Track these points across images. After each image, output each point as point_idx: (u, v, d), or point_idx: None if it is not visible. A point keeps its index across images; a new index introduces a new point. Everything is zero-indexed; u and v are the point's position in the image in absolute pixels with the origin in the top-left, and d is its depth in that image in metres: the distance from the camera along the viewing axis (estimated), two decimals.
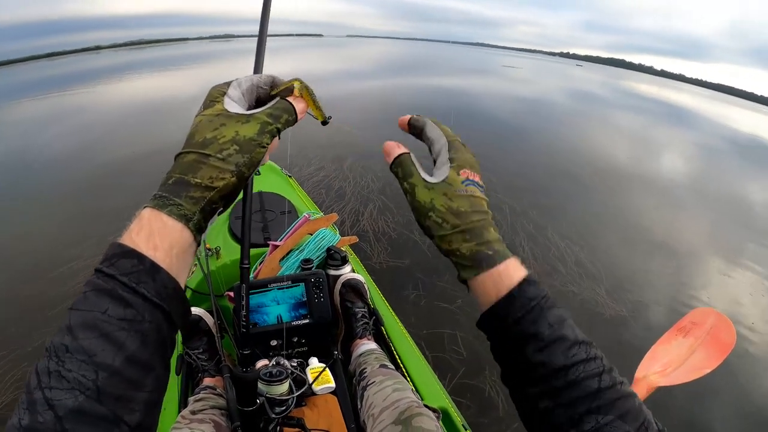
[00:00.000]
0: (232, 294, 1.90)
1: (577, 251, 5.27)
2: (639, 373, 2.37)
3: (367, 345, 2.01)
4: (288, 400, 1.40)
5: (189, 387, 1.85)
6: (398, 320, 2.28)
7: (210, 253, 2.44)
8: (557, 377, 0.60)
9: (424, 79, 23.87)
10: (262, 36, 1.18)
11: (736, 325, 4.44)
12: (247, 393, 1.47)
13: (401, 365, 1.95)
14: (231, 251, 2.50)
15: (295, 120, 0.77)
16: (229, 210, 2.82)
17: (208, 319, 1.87)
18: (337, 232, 2.52)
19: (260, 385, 1.38)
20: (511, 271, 0.66)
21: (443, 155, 0.79)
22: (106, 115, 12.21)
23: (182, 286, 0.63)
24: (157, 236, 0.60)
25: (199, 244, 0.67)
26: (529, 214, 6.09)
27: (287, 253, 2.23)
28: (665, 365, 2.40)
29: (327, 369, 1.65)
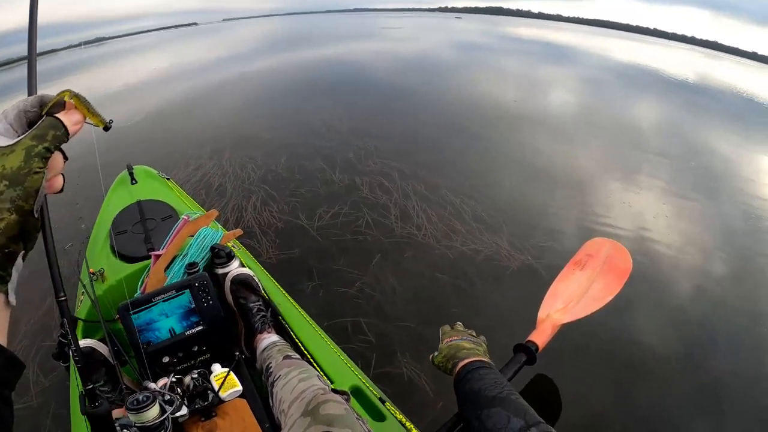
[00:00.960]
0: None
1: (473, 205, 5.13)
2: (541, 313, 2.39)
3: (269, 338, 1.98)
4: (163, 423, 1.34)
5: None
6: (297, 305, 2.24)
7: (94, 277, 2.30)
8: (477, 397, 1.05)
9: (304, 53, 23.47)
10: (31, 56, 1.10)
11: (644, 244, 4.71)
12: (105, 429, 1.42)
13: (306, 352, 1.92)
14: (116, 270, 2.36)
15: (67, 134, 0.71)
16: (107, 228, 2.70)
17: (102, 349, 1.76)
18: (220, 228, 2.45)
19: (130, 416, 1.31)
20: (466, 361, 1.34)
21: (440, 341, 1.63)
22: None
23: (0, 338, 0.61)
24: None
25: (6, 294, 0.63)
26: (419, 175, 5.92)
27: (171, 261, 2.13)
28: (566, 301, 2.43)
29: (231, 373, 1.61)
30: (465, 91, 12.21)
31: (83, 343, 1.71)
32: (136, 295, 2.09)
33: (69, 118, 0.72)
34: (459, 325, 1.76)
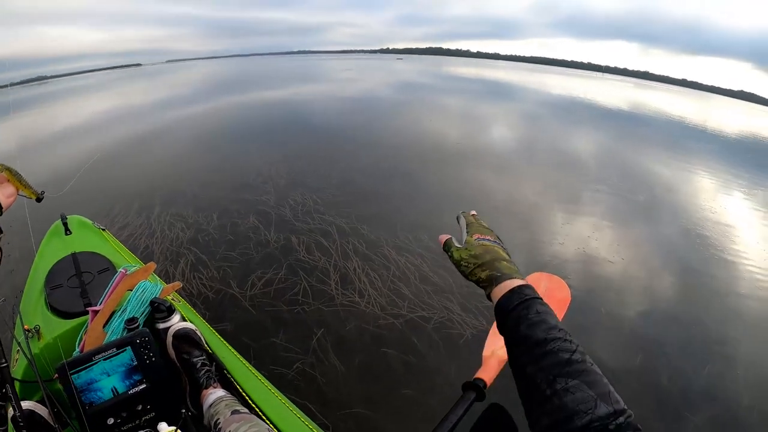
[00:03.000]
0: None
1: (418, 263, 4.90)
2: (486, 351, 2.45)
3: (215, 393, 1.94)
4: None
5: None
6: (241, 358, 2.22)
7: (30, 334, 2.22)
8: (538, 347, 0.82)
9: (245, 96, 23.31)
10: None
11: (592, 262, 5.04)
12: None
13: (253, 405, 1.90)
14: (52, 327, 2.27)
15: (0, 208, 0.75)
16: (42, 282, 2.63)
17: (42, 411, 1.69)
18: (159, 281, 2.41)
19: None
20: (514, 282, 0.97)
21: (464, 232, 1.17)
22: None
23: None
24: None
25: None
26: (360, 231, 5.68)
27: (110, 317, 2.08)
28: None
29: (178, 431, 1.58)
30: (408, 133, 12.33)
31: (22, 405, 1.66)
32: (74, 353, 2.03)
33: (2, 192, 0.76)
34: (479, 218, 1.29)
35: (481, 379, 2.12)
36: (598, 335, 3.92)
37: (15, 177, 0.80)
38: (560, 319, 2.43)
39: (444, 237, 1.20)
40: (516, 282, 0.97)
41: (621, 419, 0.68)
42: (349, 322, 3.96)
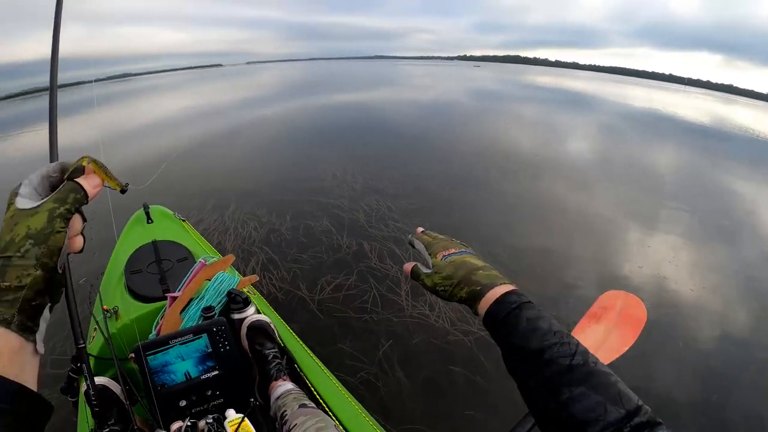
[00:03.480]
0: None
1: None
2: None
3: (284, 386, 1.96)
4: None
5: None
6: (312, 354, 2.23)
7: (108, 314, 2.31)
8: (535, 358, 0.77)
9: (323, 99, 23.55)
10: (52, 123, 1.16)
11: (665, 285, 4.76)
12: None
13: (321, 401, 1.91)
14: (130, 309, 2.37)
15: (86, 197, 0.80)
16: (122, 267, 2.71)
17: (115, 388, 1.76)
18: (237, 274, 2.45)
19: None
20: (497, 292, 0.91)
21: (426, 255, 1.10)
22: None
23: (30, 383, 0.66)
24: None
25: (35, 343, 0.69)
26: None
27: (187, 304, 2.14)
28: None
29: (245, 419, 1.60)
30: (484, 142, 12.10)
31: (96, 380, 1.71)
32: (150, 336, 2.10)
33: (88, 182, 0.81)
34: (430, 232, 1.23)
35: None
36: (670, 366, 3.72)
37: (101, 169, 0.84)
38: (633, 341, 2.32)
39: (409, 266, 1.11)
40: (498, 291, 0.92)
41: (637, 419, 0.64)
42: (417, 335, 3.89)
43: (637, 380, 3.39)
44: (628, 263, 5.27)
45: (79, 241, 0.82)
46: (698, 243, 6.10)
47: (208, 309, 2.04)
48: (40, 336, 0.71)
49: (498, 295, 0.90)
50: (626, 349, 2.44)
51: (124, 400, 1.72)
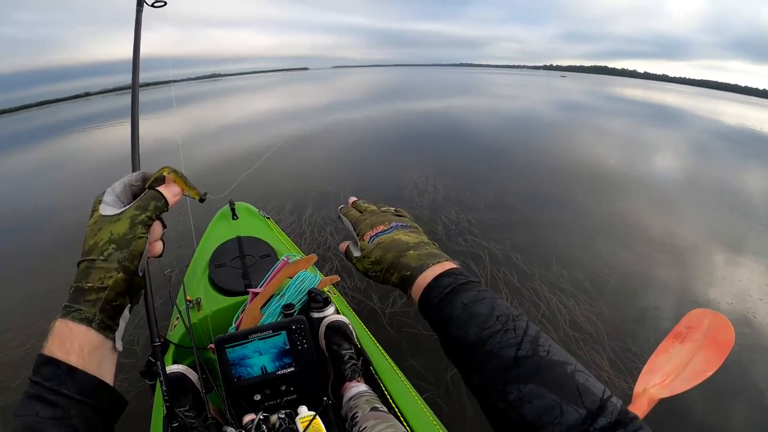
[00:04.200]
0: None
1: (571, 306, 4.45)
2: (638, 387, 2.31)
3: (357, 387, 1.97)
4: None
5: None
6: (388, 358, 2.23)
7: (191, 305, 2.39)
8: (474, 351, 0.67)
9: (405, 105, 23.59)
10: (134, 139, 1.21)
11: (749, 317, 4.41)
12: None
13: (394, 406, 1.90)
14: (212, 302, 2.45)
15: (166, 204, 0.85)
16: (207, 260, 2.79)
17: (192, 376, 1.82)
18: (318, 273, 2.47)
19: None
20: (429, 275, 0.81)
21: (355, 236, 1.00)
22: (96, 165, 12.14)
23: (107, 378, 0.73)
24: (67, 342, 0.69)
25: (114, 341, 0.75)
26: (512, 260, 5.29)
27: (268, 300, 2.17)
28: (665, 375, 2.34)
29: (317, 417, 1.61)
30: (568, 157, 11.69)
31: (175, 368, 1.80)
32: (230, 329, 2.15)
33: (168, 191, 0.86)
34: (363, 203, 1.12)
35: None
36: (746, 392, 3.48)
37: (181, 178, 0.89)
38: (720, 364, 2.18)
39: (343, 245, 1.03)
40: (430, 274, 0.81)
41: (602, 420, 0.52)
42: None
43: (718, 411, 3.24)
44: (715, 299, 4.85)
45: (159, 246, 0.88)
46: None
47: (289, 306, 2.08)
48: (119, 334, 0.77)
49: (429, 279, 0.80)
50: (711, 373, 2.32)
51: (200, 389, 1.77)
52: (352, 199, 1.12)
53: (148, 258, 0.85)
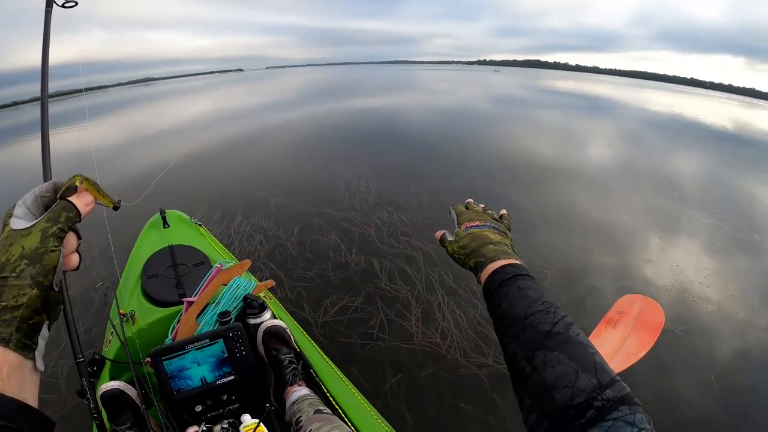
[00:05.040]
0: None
1: None
2: None
3: (300, 391, 1.96)
4: None
5: None
6: (328, 360, 2.23)
7: (125, 318, 2.32)
8: (517, 324, 0.79)
9: (340, 104, 23.52)
10: (44, 147, 1.19)
11: (685, 296, 4.64)
12: None
13: (337, 407, 1.90)
14: (147, 314, 2.38)
15: (78, 215, 0.82)
16: (139, 271, 2.73)
17: (131, 392, 1.77)
18: (253, 279, 2.45)
19: None
20: (497, 264, 0.95)
21: (456, 224, 1.19)
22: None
23: (30, 401, 0.67)
24: None
25: (34, 361, 0.71)
26: (448, 260, 4.23)
27: (203, 309, 2.14)
28: None
29: (261, 424, 1.60)
30: (503, 150, 11.90)
31: (112, 384, 1.73)
32: (166, 340, 2.11)
33: (80, 201, 0.83)
34: (473, 204, 1.31)
35: None
36: (689, 378, 3.60)
37: (93, 186, 0.86)
38: (651, 345, 2.29)
39: (439, 233, 1.22)
40: (499, 263, 0.97)
41: (609, 393, 0.61)
42: (426, 366, 3.62)
43: (656, 389, 3.39)
44: (649, 277, 5.11)
45: (74, 259, 0.84)
46: (721, 252, 5.91)
47: (225, 314, 2.06)
48: (39, 353, 0.73)
49: (497, 267, 0.95)
50: (644, 353, 2.43)
51: (139, 404, 1.74)
52: (469, 200, 1.31)
53: (64, 271, 0.82)
